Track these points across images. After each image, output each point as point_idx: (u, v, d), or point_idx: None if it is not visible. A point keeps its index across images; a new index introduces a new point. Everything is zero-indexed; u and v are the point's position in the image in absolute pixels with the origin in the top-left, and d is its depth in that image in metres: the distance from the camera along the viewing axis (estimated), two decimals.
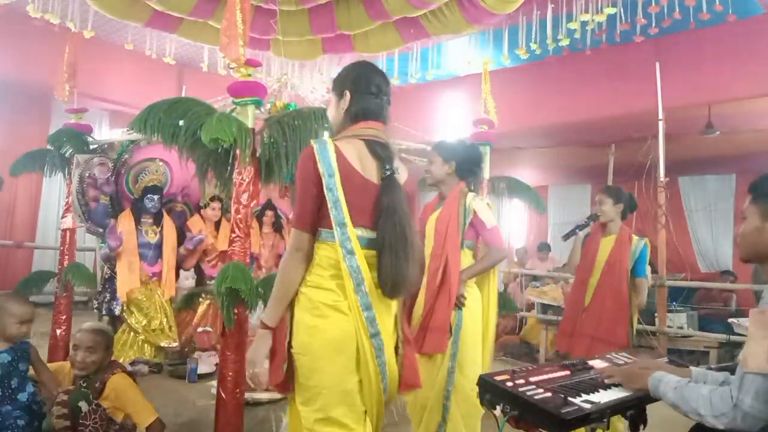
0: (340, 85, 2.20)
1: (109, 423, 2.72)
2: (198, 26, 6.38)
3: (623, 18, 5.82)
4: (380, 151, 2.06)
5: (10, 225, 9.00)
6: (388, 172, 2.03)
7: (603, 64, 7.23)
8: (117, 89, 8.97)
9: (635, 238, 4.01)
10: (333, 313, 1.98)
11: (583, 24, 5.88)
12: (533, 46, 6.43)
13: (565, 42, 6.18)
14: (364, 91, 2.14)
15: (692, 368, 2.10)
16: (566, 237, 4.23)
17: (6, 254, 8.81)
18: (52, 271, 5.12)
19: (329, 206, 1.97)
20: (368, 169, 2.04)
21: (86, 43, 6.68)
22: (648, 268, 4.05)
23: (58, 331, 4.61)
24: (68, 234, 4.86)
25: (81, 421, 2.64)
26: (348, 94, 2.15)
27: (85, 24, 6.66)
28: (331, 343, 1.96)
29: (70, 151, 4.70)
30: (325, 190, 1.97)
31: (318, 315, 1.98)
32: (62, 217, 4.95)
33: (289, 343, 2.04)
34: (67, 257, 4.80)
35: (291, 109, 4.22)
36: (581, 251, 4.14)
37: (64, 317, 4.59)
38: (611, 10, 5.65)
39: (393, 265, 1.96)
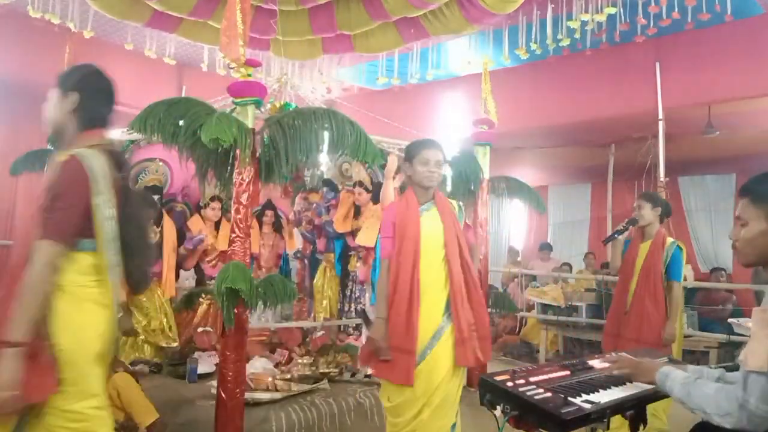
0: (68, 82, 2.16)
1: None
2: (198, 26, 6.38)
3: (623, 18, 5.82)
4: (118, 162, 2.12)
5: (10, 225, 8.99)
6: (123, 182, 2.11)
7: (603, 64, 7.23)
8: (117, 89, 8.96)
9: (668, 240, 4.04)
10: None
11: (583, 24, 5.88)
12: (533, 46, 6.43)
13: (565, 42, 6.18)
14: (97, 96, 2.16)
15: (689, 366, 2.10)
16: (606, 241, 4.38)
17: (6, 254, 8.80)
18: None
19: (99, 219, 1.99)
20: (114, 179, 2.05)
21: (86, 42, 6.69)
22: (684, 270, 4.09)
23: None
24: None
25: None
26: (77, 96, 2.11)
27: (85, 24, 6.67)
28: None
29: None
30: (96, 202, 1.98)
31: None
32: None
33: None
34: None
35: (289, 108, 4.23)
36: (624, 256, 4.22)
37: None
38: (611, 10, 5.65)
39: (138, 267, 2.11)
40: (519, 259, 10.07)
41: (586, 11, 5.75)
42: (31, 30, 6.98)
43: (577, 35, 6.03)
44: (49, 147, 4.89)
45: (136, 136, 4.36)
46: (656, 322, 3.92)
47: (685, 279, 4.19)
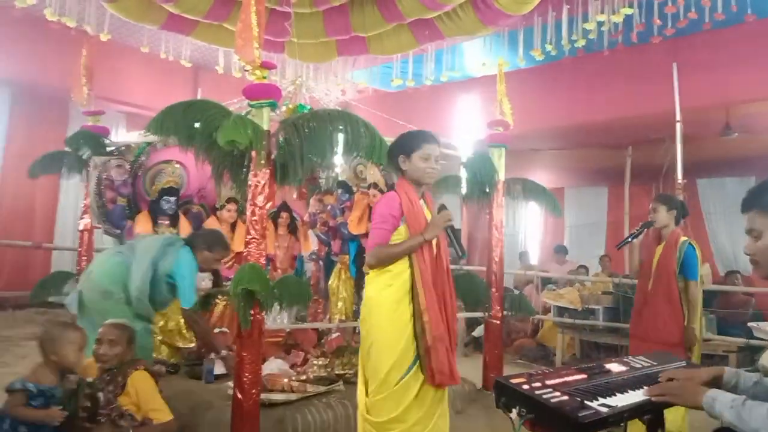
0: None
1: (125, 418, 2.74)
2: (213, 29, 6.42)
3: (639, 18, 5.78)
4: None
5: (29, 226, 9.10)
6: None
7: (619, 65, 7.17)
8: (133, 91, 9.05)
9: (681, 239, 4.03)
10: None
11: (599, 25, 5.85)
12: (548, 47, 6.41)
13: (580, 43, 6.15)
14: None
15: (726, 369, 2.04)
16: (620, 246, 4.36)
17: (25, 255, 8.91)
18: (71, 272, 5.18)
19: None
20: None
21: (103, 46, 6.76)
22: (702, 269, 4.09)
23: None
24: (86, 235, 4.92)
25: (99, 411, 2.69)
26: None
27: (102, 27, 6.73)
28: None
29: (88, 153, 4.76)
30: None
31: None
32: (80, 219, 5.00)
33: None
34: (85, 258, 4.86)
35: (302, 111, 4.24)
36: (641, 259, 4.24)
37: None
38: (627, 11, 5.61)
39: None
40: (531, 263, 10.01)
41: (602, 12, 5.72)
42: (47, 33, 7.06)
43: (593, 36, 5.99)
44: (66, 149, 4.94)
45: (152, 138, 4.40)
46: (671, 323, 3.91)
47: (702, 281, 4.13)
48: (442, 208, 2.87)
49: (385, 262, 2.76)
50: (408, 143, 2.90)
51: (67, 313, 3.84)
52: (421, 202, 2.92)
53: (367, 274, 2.93)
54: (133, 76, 9.00)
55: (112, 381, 2.80)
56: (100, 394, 2.73)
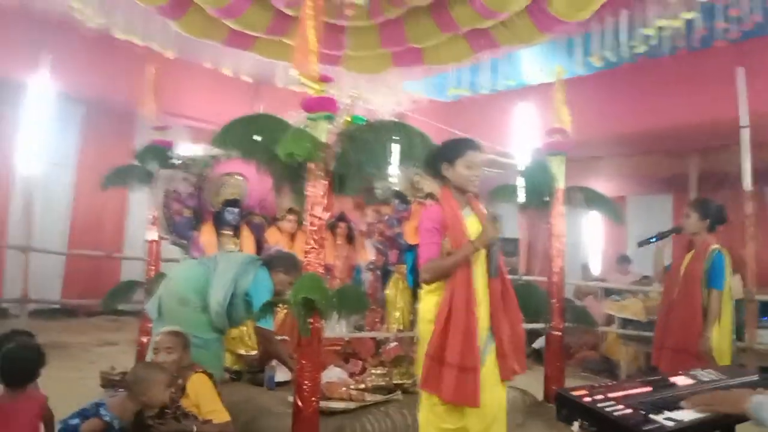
0: None
1: (188, 417, 2.83)
2: (273, 44, 6.59)
3: (702, 23, 5.60)
4: None
5: (100, 237, 9.51)
6: None
7: (681, 71, 6.95)
8: (197, 106, 9.35)
9: (711, 247, 3.92)
10: None
11: (660, 30, 5.70)
12: (607, 54, 6.29)
13: (640, 49, 6.00)
14: None
15: None
16: (641, 244, 4.30)
17: (95, 265, 9.30)
18: (139, 281, 5.39)
19: None
20: None
21: (168, 62, 7.03)
22: (732, 280, 3.92)
23: (145, 339, 4.82)
24: (154, 245, 5.11)
25: (165, 411, 2.80)
26: None
27: (167, 44, 7.00)
28: None
29: (155, 166, 4.95)
30: None
31: None
32: (148, 230, 5.20)
33: None
34: (152, 268, 5.04)
35: (358, 122, 4.30)
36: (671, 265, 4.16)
37: (150, 325, 4.78)
38: (689, 15, 5.45)
39: None
40: (593, 273, 9.76)
41: (663, 17, 5.57)
42: (116, 52, 7.39)
43: (654, 41, 5.84)
44: (135, 162, 5.15)
45: (216, 151, 4.54)
46: (692, 332, 3.81)
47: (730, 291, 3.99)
48: (494, 217, 2.81)
49: (439, 276, 2.76)
50: (451, 150, 2.88)
51: (134, 321, 4.02)
52: (467, 210, 2.88)
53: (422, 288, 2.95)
54: (197, 92, 9.30)
55: (172, 385, 2.90)
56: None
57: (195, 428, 2.79)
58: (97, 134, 9.41)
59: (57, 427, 2.73)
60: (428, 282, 2.79)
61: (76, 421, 2.69)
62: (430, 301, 2.84)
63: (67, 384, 4.99)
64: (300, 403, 3.22)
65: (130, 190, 5.40)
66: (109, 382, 4.22)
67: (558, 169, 4.78)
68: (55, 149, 8.75)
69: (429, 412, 2.79)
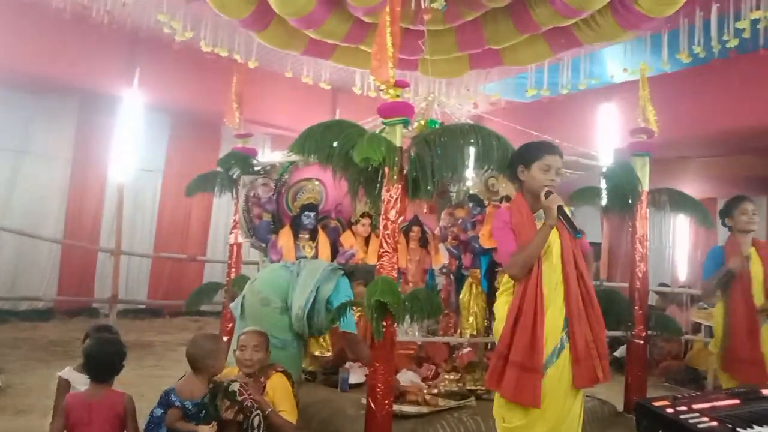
0: None
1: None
2: (350, 51, 6.68)
3: None
4: None
5: (185, 240, 9.96)
6: None
7: None
8: (278, 114, 9.64)
9: None
10: None
11: (754, 23, 5.38)
12: (696, 50, 6.00)
13: (732, 43, 5.69)
14: None
15: None
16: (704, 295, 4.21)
17: (180, 267, 9.75)
18: (221, 282, 5.59)
19: None
20: None
21: (251, 72, 7.28)
22: None
23: (225, 338, 4.98)
24: (235, 248, 5.28)
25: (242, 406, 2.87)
26: None
27: (250, 55, 7.26)
28: None
29: (237, 172, 5.12)
30: None
31: None
32: (230, 233, 5.39)
33: None
34: (233, 270, 5.22)
35: (433, 126, 4.28)
36: None
37: (230, 325, 4.95)
38: None
39: None
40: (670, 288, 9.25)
41: (758, 8, 5.26)
42: (202, 63, 7.73)
43: (746, 35, 5.52)
44: (218, 169, 5.34)
45: (295, 157, 4.65)
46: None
47: None
48: (548, 194, 2.73)
49: (524, 266, 2.69)
50: (529, 153, 2.85)
51: (215, 321, 4.17)
52: (541, 212, 2.77)
53: (498, 289, 2.92)
54: (278, 100, 9.59)
55: (255, 383, 2.99)
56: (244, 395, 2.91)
57: (269, 409, 2.86)
58: (184, 142, 9.87)
59: (144, 420, 2.87)
60: (517, 277, 2.72)
61: (159, 411, 2.86)
62: (500, 300, 2.86)
63: (152, 381, 5.24)
64: (373, 406, 3.24)
65: (215, 196, 5.59)
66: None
67: (642, 170, 4.59)
68: (144, 157, 9.24)
69: (498, 408, 2.81)
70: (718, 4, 5.61)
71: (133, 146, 8.75)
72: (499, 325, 2.79)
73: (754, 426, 1.71)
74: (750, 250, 3.87)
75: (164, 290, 9.64)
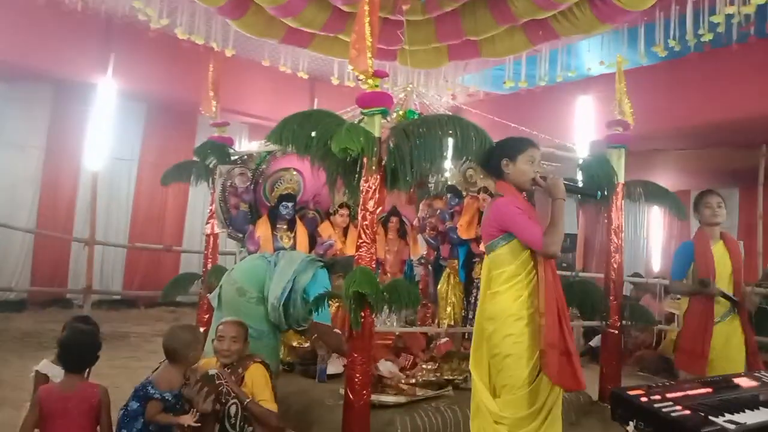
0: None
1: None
2: (329, 41, 6.65)
3: None
4: None
5: (161, 230, 9.84)
6: None
7: (751, 59, 6.66)
8: (255, 103, 9.55)
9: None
10: None
11: (728, 17, 5.45)
12: (672, 43, 6.07)
13: (707, 37, 5.76)
14: None
15: None
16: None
17: (156, 257, 9.63)
18: (197, 273, 5.54)
19: None
20: None
21: (227, 61, 7.20)
22: None
23: (202, 329, 4.95)
24: (211, 239, 5.24)
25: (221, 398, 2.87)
26: None
27: (227, 43, 7.17)
28: None
29: (214, 162, 5.07)
30: None
31: None
32: (206, 223, 5.34)
33: None
34: (210, 260, 5.18)
35: (411, 116, 4.28)
36: None
37: (207, 316, 4.92)
38: (760, 0, 5.19)
39: None
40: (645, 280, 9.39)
41: (732, 3, 5.32)
42: (178, 51, 7.61)
43: (721, 29, 5.59)
44: (195, 159, 5.28)
45: (272, 147, 4.62)
46: None
47: None
48: (543, 178, 2.87)
49: (561, 242, 2.76)
50: (514, 146, 2.92)
51: (191, 312, 4.15)
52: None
53: (477, 279, 2.93)
54: (255, 89, 9.49)
55: (232, 374, 2.98)
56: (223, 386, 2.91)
57: (248, 399, 2.86)
58: (159, 131, 9.74)
59: (118, 413, 2.84)
60: (557, 254, 2.75)
61: (135, 405, 2.81)
62: (507, 296, 2.80)
63: (128, 372, 5.19)
64: (351, 396, 3.25)
65: (190, 186, 5.53)
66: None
67: (618, 162, 4.64)
68: (118, 146, 9.09)
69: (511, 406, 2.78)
70: None
71: (107, 135, 8.60)
72: (518, 323, 2.76)
73: (726, 414, 1.75)
74: (718, 242, 3.96)
75: (140, 281, 9.53)
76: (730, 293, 3.83)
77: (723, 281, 3.86)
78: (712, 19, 5.59)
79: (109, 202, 9.36)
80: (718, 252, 3.91)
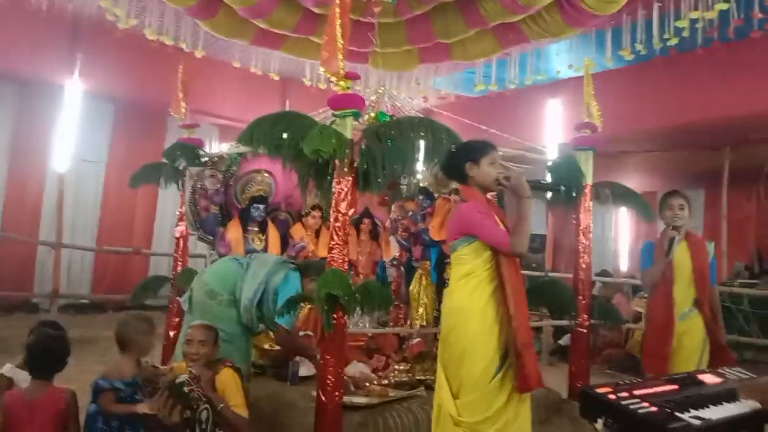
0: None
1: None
2: (300, 42, 6.62)
3: (737, 14, 5.47)
4: None
5: (130, 233, 9.70)
6: None
7: (715, 63, 6.83)
8: (225, 105, 9.48)
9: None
10: None
11: (693, 22, 5.58)
12: (638, 47, 6.20)
13: (673, 41, 5.90)
14: None
15: None
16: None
17: (125, 260, 9.49)
18: (167, 276, 5.47)
19: None
20: None
21: (197, 62, 7.13)
22: None
23: (171, 333, 4.90)
24: (181, 241, 5.18)
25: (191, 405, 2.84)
26: None
27: (197, 44, 7.10)
28: None
29: (184, 163, 5.01)
30: None
31: None
32: (176, 226, 5.28)
33: None
34: (180, 263, 5.12)
35: (383, 119, 4.30)
36: None
37: (177, 320, 4.86)
38: (723, 6, 5.33)
39: None
40: (613, 279, 9.56)
41: (696, 8, 5.46)
42: (147, 52, 7.51)
43: (686, 34, 5.73)
44: (164, 160, 5.22)
45: (243, 148, 4.59)
46: None
47: None
48: (506, 178, 2.90)
49: (528, 239, 2.78)
50: (476, 149, 2.94)
51: (161, 316, 4.11)
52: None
53: (448, 279, 2.95)
54: (226, 90, 9.42)
55: (203, 378, 2.95)
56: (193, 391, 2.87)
57: (221, 405, 2.84)
58: (128, 133, 9.60)
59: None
60: (522, 253, 2.79)
61: (93, 406, 2.81)
62: (466, 293, 2.82)
63: (96, 378, 5.09)
64: (323, 398, 3.24)
65: (160, 188, 5.46)
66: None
67: (586, 164, 4.71)
68: (86, 147, 8.94)
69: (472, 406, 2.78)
70: (660, 4, 5.80)
71: (74, 136, 8.45)
72: (473, 319, 2.76)
73: (691, 410, 1.79)
74: (680, 243, 3.91)
75: (108, 284, 9.38)
76: (692, 295, 3.86)
77: (683, 282, 3.86)
78: (677, 24, 5.72)
79: (77, 205, 9.20)
80: (679, 252, 3.88)
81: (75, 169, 8.73)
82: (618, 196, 4.85)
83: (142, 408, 2.76)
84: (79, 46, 8.15)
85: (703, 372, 2.23)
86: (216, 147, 9.60)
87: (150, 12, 6.61)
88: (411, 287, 5.00)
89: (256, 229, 4.98)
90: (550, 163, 4.77)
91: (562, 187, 3.96)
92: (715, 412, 1.81)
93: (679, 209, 3.93)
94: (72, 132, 8.42)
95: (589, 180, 4.70)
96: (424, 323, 4.76)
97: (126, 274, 9.33)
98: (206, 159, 5.12)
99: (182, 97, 5.27)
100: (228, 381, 2.98)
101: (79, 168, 8.95)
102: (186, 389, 2.78)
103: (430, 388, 4.05)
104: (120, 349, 2.94)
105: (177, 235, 5.21)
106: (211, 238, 5.05)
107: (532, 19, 5.74)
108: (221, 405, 2.83)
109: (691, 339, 3.84)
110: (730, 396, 1.95)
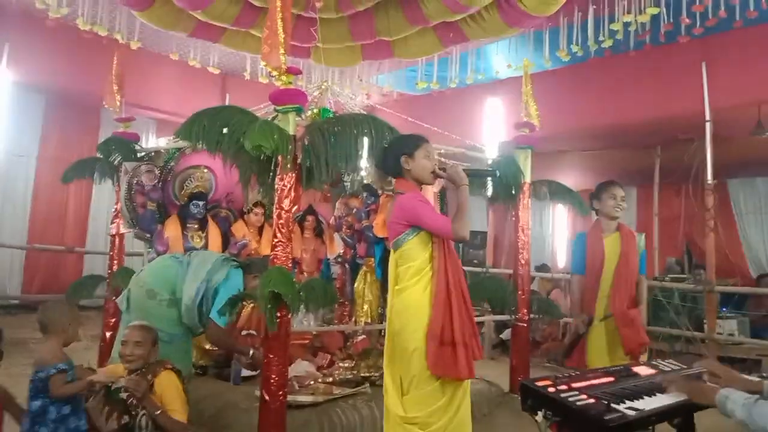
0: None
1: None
2: (240, 35, 6.51)
3: (667, 18, 5.70)
4: None
5: (62, 231, 9.31)
6: None
7: (647, 66, 7.09)
8: (163, 98, 9.21)
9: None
10: None
11: (626, 25, 5.78)
12: (574, 48, 6.37)
13: (607, 43, 6.10)
14: None
15: (765, 381, 2.01)
16: None
17: (58, 259, 9.11)
18: (102, 275, 5.29)
19: None
20: None
21: (133, 54, 6.90)
22: None
23: (108, 334, 4.75)
24: (117, 239, 5.02)
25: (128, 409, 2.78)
26: None
27: (132, 35, 6.88)
28: None
29: (119, 158, 4.85)
30: None
31: None
32: (111, 223, 5.11)
33: None
34: (116, 262, 4.95)
35: (326, 115, 4.28)
36: None
37: (113, 320, 4.71)
38: (654, 11, 5.54)
39: None
40: (551, 275, 9.83)
41: (629, 12, 5.66)
42: (80, 42, 7.22)
43: (620, 36, 5.93)
44: (98, 155, 5.04)
45: (182, 143, 4.48)
46: None
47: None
48: (442, 169, 2.95)
49: (469, 225, 2.78)
50: (409, 143, 2.96)
51: (97, 317, 3.96)
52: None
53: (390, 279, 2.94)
54: (163, 83, 9.16)
55: (141, 381, 2.86)
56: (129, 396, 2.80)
57: (158, 411, 2.77)
58: (60, 126, 9.20)
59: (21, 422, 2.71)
60: (464, 239, 2.78)
61: (37, 403, 2.76)
62: (418, 291, 2.80)
63: (27, 380, 4.87)
64: (267, 397, 3.20)
65: (94, 184, 5.27)
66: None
67: (525, 162, 4.83)
68: (15, 141, 8.53)
69: (417, 403, 2.76)
70: (595, 6, 5.97)
71: (2, 129, 8.04)
72: (425, 316, 2.75)
73: (626, 401, 1.86)
74: (612, 234, 3.92)
75: (40, 284, 8.97)
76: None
77: (610, 272, 3.82)
78: (611, 27, 5.91)
79: (5, 201, 8.76)
80: (610, 244, 3.88)
81: (4, 163, 8.31)
82: (555, 193, 4.99)
83: (100, 377, 2.80)
84: (6, 35, 7.74)
85: (638, 364, 2.32)
86: (153, 141, 9.32)
87: (82, 1, 6.34)
88: (356, 284, 4.99)
89: (195, 226, 4.87)
90: (490, 162, 4.86)
91: (497, 172, 4.01)
92: (648, 403, 1.88)
93: (621, 200, 3.93)
94: (0, 125, 8.01)
95: (527, 178, 4.82)
96: (369, 320, 4.77)
97: (59, 274, 8.96)
98: (143, 154, 4.97)
99: (117, 89, 5.09)
100: (166, 384, 2.90)
101: (8, 163, 8.53)
102: (123, 395, 2.69)
103: (374, 384, 4.08)
104: (43, 333, 2.90)
105: (112, 232, 5.04)
106: (148, 235, 4.90)
107: (472, 19, 5.83)
108: (158, 411, 2.75)
109: (608, 339, 3.83)
110: (662, 387, 2.03)
